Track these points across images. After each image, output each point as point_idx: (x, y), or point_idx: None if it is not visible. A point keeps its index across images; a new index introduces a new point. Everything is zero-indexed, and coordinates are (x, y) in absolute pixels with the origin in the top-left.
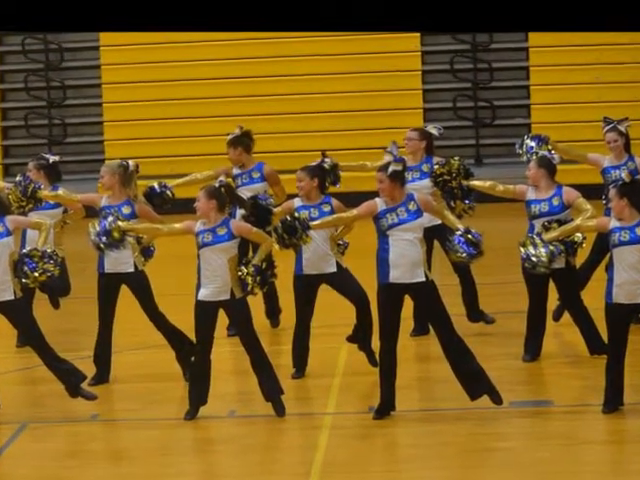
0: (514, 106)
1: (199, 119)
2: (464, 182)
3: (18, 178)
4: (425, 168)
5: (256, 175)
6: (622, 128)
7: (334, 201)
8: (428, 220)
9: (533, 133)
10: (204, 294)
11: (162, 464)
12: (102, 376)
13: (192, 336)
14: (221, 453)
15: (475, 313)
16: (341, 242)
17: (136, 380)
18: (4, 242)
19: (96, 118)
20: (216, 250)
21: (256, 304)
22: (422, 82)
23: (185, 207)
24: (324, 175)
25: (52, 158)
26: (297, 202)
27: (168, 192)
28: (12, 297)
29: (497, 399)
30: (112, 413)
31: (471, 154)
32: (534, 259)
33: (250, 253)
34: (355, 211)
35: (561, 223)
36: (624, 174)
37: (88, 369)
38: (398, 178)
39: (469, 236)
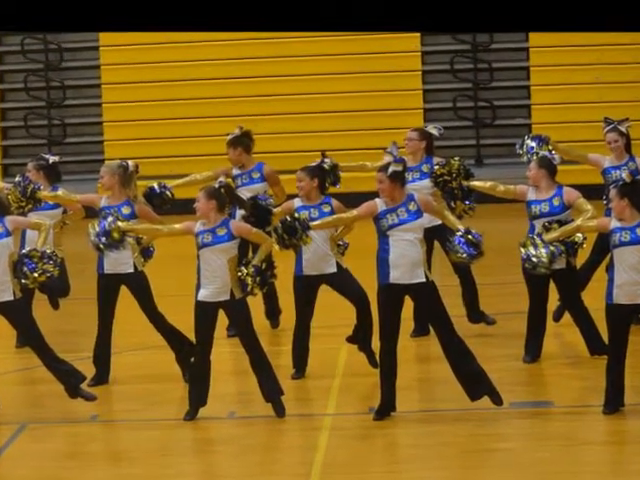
0: (514, 106)
1: (199, 119)
2: (464, 182)
3: (17, 178)
4: (425, 168)
5: (256, 175)
6: (623, 128)
7: (334, 201)
8: (428, 220)
9: (533, 133)
10: (204, 295)
11: (162, 465)
12: (101, 377)
13: (192, 337)
14: (221, 454)
15: (475, 314)
16: (341, 242)
17: (136, 381)
18: (3, 242)
19: (96, 118)
20: (216, 251)
21: (256, 305)
22: (422, 82)
23: (185, 208)
24: (324, 175)
25: (52, 158)
26: (297, 202)
27: (168, 192)
28: (11, 298)
29: (497, 400)
30: (112, 414)
31: (471, 154)
32: (534, 260)
33: (250, 254)
34: (355, 211)
35: (562, 224)
36: (625, 174)
37: (87, 370)
38: (398, 178)
39: (469, 237)
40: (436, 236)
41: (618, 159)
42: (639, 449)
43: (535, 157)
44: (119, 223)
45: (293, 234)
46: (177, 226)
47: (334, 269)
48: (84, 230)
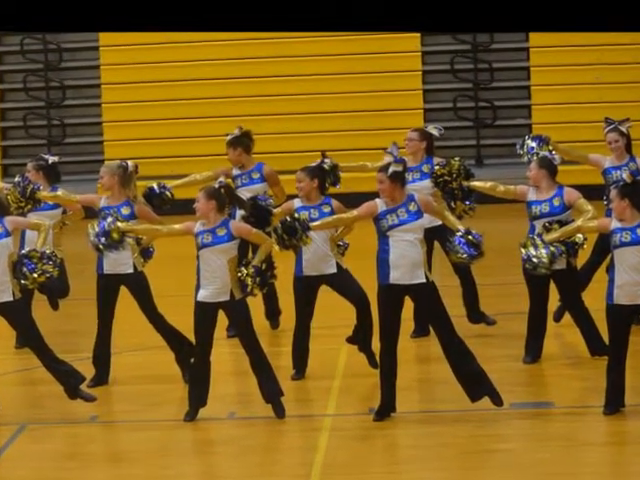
0: (515, 106)
1: (199, 119)
2: (465, 183)
3: (17, 179)
4: (425, 169)
5: (256, 176)
6: (623, 129)
7: (334, 202)
8: (428, 221)
9: (534, 133)
10: (203, 295)
11: (162, 465)
12: (101, 377)
13: (191, 337)
14: (221, 454)
15: (476, 314)
16: (341, 243)
17: (135, 381)
18: (3, 243)
19: (95, 119)
20: (216, 251)
21: (256, 305)
22: (422, 82)
23: (184, 208)
24: (324, 176)
25: (51, 159)
26: (297, 203)
27: (167, 193)
28: (11, 298)
29: (498, 401)
30: (111, 414)
31: (472, 155)
32: (535, 260)
33: (250, 254)
34: (355, 212)
35: (562, 224)
36: (625, 175)
37: (87, 370)
38: (398, 179)
39: (470, 237)
40: (436, 236)
41: (619, 159)
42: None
43: (535, 157)
44: (119, 223)
45: (293, 234)
46: (177, 226)
47: (334, 270)
48: (84, 230)
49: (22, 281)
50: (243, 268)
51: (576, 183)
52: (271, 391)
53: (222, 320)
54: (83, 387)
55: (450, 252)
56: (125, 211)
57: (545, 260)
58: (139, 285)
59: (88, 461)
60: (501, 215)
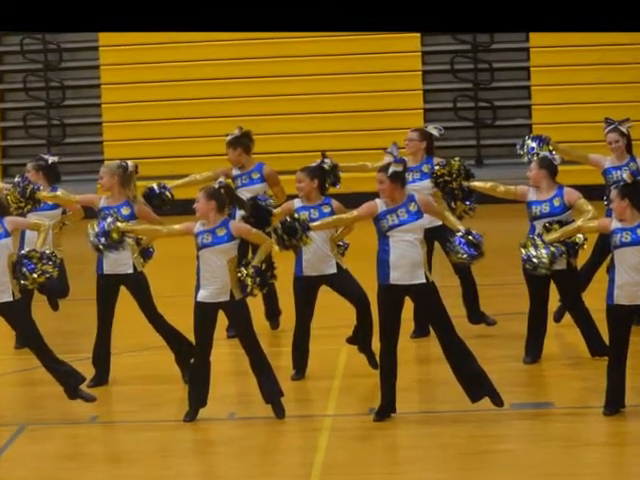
0: (515, 106)
1: (199, 119)
2: (465, 183)
3: (17, 179)
4: (425, 169)
5: (256, 176)
6: (623, 129)
7: (334, 202)
8: (429, 221)
9: (534, 134)
10: (203, 295)
11: (161, 466)
12: (101, 378)
13: (191, 338)
14: (221, 455)
15: (476, 314)
16: (341, 243)
17: (135, 382)
18: (3, 243)
19: (95, 119)
20: (215, 251)
21: (256, 306)
22: (422, 82)
23: (184, 208)
24: (324, 176)
25: (51, 159)
26: (297, 203)
27: (167, 193)
28: (11, 298)
29: (498, 401)
30: (111, 415)
31: (472, 155)
32: (535, 260)
33: (250, 254)
34: (355, 212)
35: (562, 224)
36: (625, 175)
37: (87, 371)
38: (398, 179)
39: (470, 237)
40: (436, 237)
41: (619, 159)
42: None
43: (536, 157)
44: (118, 224)
45: (293, 235)
46: (177, 227)
47: (334, 270)
48: (83, 231)
49: (22, 281)
50: (243, 268)
51: (576, 183)
52: (271, 391)
53: (222, 320)
54: (83, 387)
55: (450, 252)
56: (125, 211)
57: (545, 260)
58: (139, 285)
59: (88, 462)
60: (501, 215)
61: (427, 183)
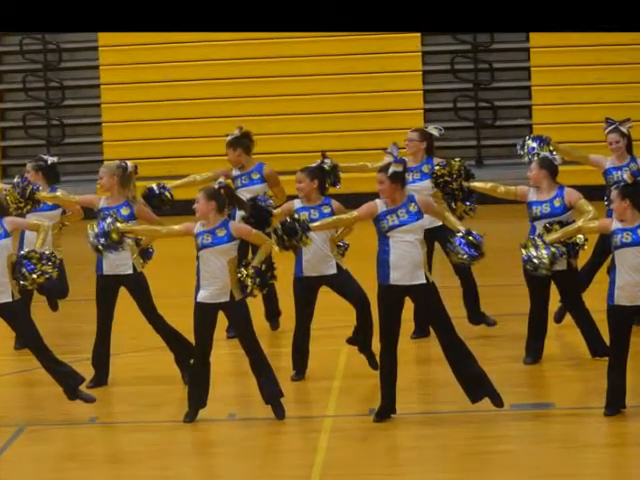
0: (515, 107)
1: (199, 120)
2: (465, 183)
3: (16, 179)
4: (426, 169)
5: (256, 176)
6: (624, 129)
7: (334, 202)
8: (429, 221)
9: (534, 134)
10: (203, 296)
11: (161, 467)
12: (100, 378)
13: (191, 338)
14: (220, 456)
15: (476, 315)
16: (341, 244)
17: (135, 382)
18: (2, 244)
19: (95, 119)
20: (215, 252)
21: (256, 306)
22: (423, 82)
23: (184, 208)
24: (324, 176)
25: (50, 159)
26: (297, 203)
27: (167, 193)
28: (10, 299)
29: (498, 402)
30: (111, 416)
31: (472, 155)
32: (536, 261)
33: (250, 255)
34: (355, 212)
35: (563, 225)
36: (626, 175)
37: (86, 371)
38: (398, 179)
39: (470, 238)
40: (437, 237)
41: (619, 160)
42: None
43: (536, 158)
44: (118, 224)
45: (293, 235)
46: (176, 227)
47: (334, 270)
48: (83, 231)
49: (21, 282)
50: (243, 269)
51: (577, 184)
52: (271, 392)
53: (222, 321)
54: (82, 388)
55: (451, 253)
56: (124, 212)
57: (546, 261)
58: (138, 286)
59: (88, 462)
60: (501, 216)
61: (427, 183)
